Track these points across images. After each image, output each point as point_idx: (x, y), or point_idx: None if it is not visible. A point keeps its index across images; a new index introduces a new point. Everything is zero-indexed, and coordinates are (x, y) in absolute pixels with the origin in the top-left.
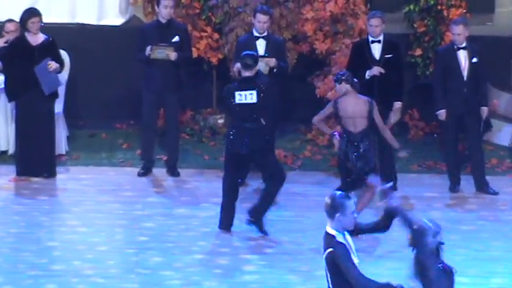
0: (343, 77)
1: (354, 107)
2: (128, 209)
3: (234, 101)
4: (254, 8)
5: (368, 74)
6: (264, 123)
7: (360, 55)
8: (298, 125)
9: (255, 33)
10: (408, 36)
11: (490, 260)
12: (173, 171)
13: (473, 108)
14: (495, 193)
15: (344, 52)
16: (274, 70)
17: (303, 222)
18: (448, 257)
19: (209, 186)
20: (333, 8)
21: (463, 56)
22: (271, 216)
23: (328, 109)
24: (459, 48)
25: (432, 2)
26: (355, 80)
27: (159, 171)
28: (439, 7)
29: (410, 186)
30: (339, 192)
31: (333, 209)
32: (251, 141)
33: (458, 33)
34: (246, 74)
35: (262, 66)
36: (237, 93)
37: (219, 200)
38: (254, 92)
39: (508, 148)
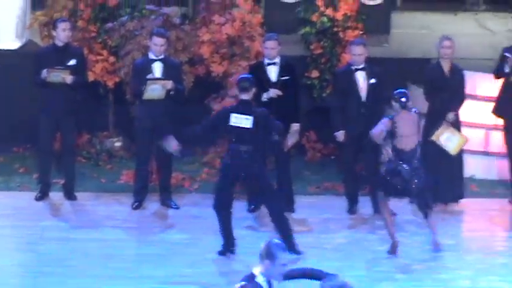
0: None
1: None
2: (25, 232)
3: (229, 123)
4: (150, 31)
5: (265, 96)
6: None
7: (257, 77)
8: (195, 148)
9: (152, 56)
10: (305, 58)
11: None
12: (70, 195)
13: (371, 129)
14: (393, 214)
15: (241, 74)
16: (171, 93)
17: (199, 245)
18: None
19: (107, 209)
20: (229, 30)
21: (361, 77)
22: (168, 239)
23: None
24: (357, 70)
25: (328, 24)
26: None
27: (56, 195)
28: (335, 29)
29: (308, 208)
30: (276, 241)
31: (265, 255)
32: (246, 164)
33: (358, 53)
34: (243, 97)
35: (159, 89)
36: (233, 115)
37: (117, 223)
38: (250, 118)
39: None
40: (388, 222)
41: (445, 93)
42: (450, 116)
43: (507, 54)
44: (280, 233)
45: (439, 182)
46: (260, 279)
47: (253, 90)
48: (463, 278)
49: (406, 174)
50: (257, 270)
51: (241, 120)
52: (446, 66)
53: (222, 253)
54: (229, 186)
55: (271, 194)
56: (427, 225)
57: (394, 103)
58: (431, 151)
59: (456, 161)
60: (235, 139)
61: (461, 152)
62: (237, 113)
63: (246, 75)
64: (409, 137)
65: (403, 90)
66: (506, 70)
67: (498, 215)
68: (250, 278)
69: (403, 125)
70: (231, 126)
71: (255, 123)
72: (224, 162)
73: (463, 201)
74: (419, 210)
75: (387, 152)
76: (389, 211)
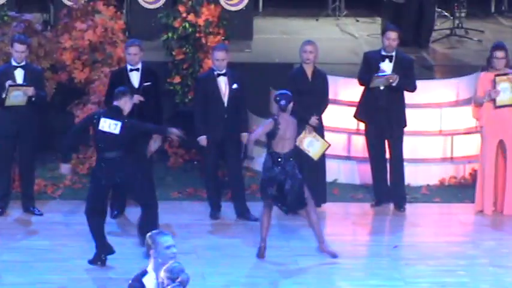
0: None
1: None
2: None
3: (97, 127)
4: (12, 37)
5: None
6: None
7: (119, 83)
8: (57, 154)
9: (13, 63)
10: (167, 64)
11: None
12: None
13: (234, 134)
14: (256, 219)
15: (103, 81)
16: (33, 99)
17: (63, 252)
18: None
19: None
20: (91, 36)
21: (223, 82)
22: (32, 245)
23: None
24: (219, 75)
25: (190, 30)
26: None
27: None
28: (197, 35)
29: (171, 213)
30: (154, 231)
31: (148, 247)
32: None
33: (221, 58)
34: (115, 102)
35: (21, 95)
36: (102, 119)
37: None
38: (119, 123)
39: None
40: (262, 225)
41: (308, 97)
42: (313, 120)
43: (381, 71)
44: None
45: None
46: (151, 277)
47: (131, 99)
48: (324, 281)
49: (281, 180)
50: (150, 267)
51: (109, 126)
52: (309, 71)
53: (92, 262)
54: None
55: (145, 198)
56: (310, 225)
57: (275, 105)
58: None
59: (319, 166)
60: (103, 145)
61: (323, 157)
62: (106, 117)
63: (122, 87)
64: (287, 140)
65: (284, 92)
66: (374, 85)
67: (360, 219)
68: (140, 276)
69: (285, 127)
70: (99, 130)
71: (122, 128)
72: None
73: (325, 205)
74: (292, 212)
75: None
76: (267, 215)
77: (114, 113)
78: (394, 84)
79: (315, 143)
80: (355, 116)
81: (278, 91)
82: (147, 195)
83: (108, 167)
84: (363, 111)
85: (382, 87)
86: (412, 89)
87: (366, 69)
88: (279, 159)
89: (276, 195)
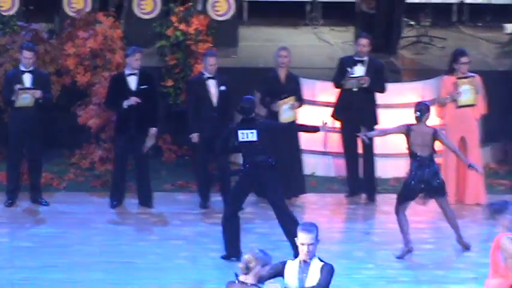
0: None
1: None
2: None
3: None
4: (21, 45)
5: (125, 103)
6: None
7: (118, 86)
8: (62, 150)
9: (22, 68)
10: (161, 69)
11: None
12: None
13: (222, 131)
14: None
15: (103, 84)
16: (40, 101)
17: (68, 238)
18: None
19: None
20: (92, 44)
21: (212, 84)
22: (39, 233)
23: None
24: (209, 78)
25: (182, 38)
26: None
27: None
28: (188, 42)
29: (165, 204)
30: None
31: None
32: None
33: (213, 64)
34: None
35: (29, 97)
36: (239, 131)
37: None
38: (254, 131)
39: None
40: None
41: (279, 98)
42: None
43: (351, 72)
44: None
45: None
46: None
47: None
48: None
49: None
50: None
51: (247, 135)
52: (282, 74)
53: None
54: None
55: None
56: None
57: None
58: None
59: (297, 159)
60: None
61: (300, 151)
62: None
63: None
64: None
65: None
66: (347, 86)
67: (335, 208)
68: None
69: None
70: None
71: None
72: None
73: (304, 196)
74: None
75: None
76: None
77: (247, 124)
78: (365, 85)
79: (289, 111)
80: (332, 116)
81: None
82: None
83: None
84: (338, 111)
85: (355, 89)
86: (382, 90)
87: (340, 73)
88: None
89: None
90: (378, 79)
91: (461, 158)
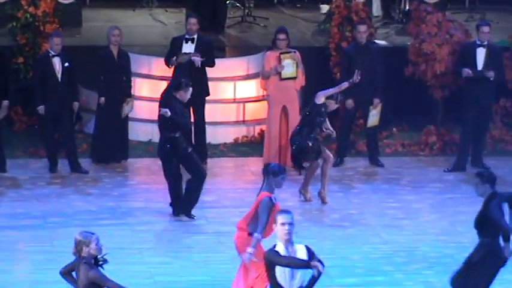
0: None
1: None
2: None
3: None
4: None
5: None
6: None
7: None
8: None
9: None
10: (12, 48)
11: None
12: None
13: (66, 103)
14: (86, 172)
15: None
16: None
17: None
18: None
19: None
20: None
21: (57, 62)
22: None
23: None
24: (54, 56)
25: (31, 19)
26: None
27: None
28: (36, 23)
29: (18, 168)
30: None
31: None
32: None
33: (58, 43)
34: None
35: None
36: None
37: None
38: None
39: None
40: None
41: (114, 74)
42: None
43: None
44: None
45: None
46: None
47: None
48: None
49: None
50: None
51: None
52: (115, 51)
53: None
54: None
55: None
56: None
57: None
58: None
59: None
60: None
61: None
62: None
63: None
64: None
65: None
66: (180, 61)
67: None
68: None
69: None
70: None
71: None
72: None
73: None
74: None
75: None
76: None
77: None
78: (197, 61)
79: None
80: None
81: None
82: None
83: None
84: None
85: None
86: (212, 64)
87: (172, 52)
88: None
89: None
90: (208, 55)
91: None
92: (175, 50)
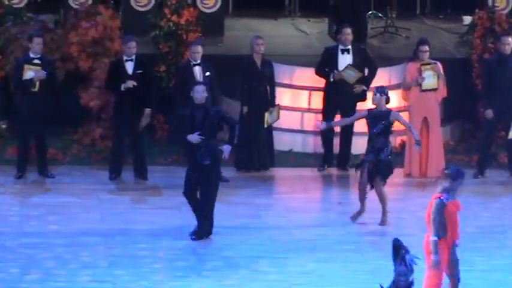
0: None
1: None
2: None
3: None
4: (30, 33)
5: (123, 86)
6: None
7: (116, 71)
8: (67, 128)
9: (31, 55)
10: (155, 56)
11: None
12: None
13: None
14: (227, 180)
15: (103, 69)
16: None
17: (71, 207)
18: None
19: None
20: (93, 33)
21: (198, 71)
22: (47, 202)
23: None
24: (195, 65)
25: (174, 28)
26: None
27: None
28: (179, 32)
29: (159, 177)
30: None
31: None
32: None
33: (197, 51)
34: None
35: (33, 75)
36: None
37: (2, 189)
38: None
39: None
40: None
41: (257, 83)
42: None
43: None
44: None
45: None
46: None
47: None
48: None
49: None
50: None
51: None
52: (258, 60)
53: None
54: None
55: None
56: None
57: None
58: None
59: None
60: None
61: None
62: None
63: None
64: None
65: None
66: (345, 78)
67: (310, 181)
68: None
69: None
70: None
71: None
72: None
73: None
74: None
75: None
76: None
77: None
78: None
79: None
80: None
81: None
82: None
83: None
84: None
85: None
86: (374, 71)
87: (324, 62)
88: None
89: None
90: (367, 61)
91: (412, 133)
92: (329, 60)
